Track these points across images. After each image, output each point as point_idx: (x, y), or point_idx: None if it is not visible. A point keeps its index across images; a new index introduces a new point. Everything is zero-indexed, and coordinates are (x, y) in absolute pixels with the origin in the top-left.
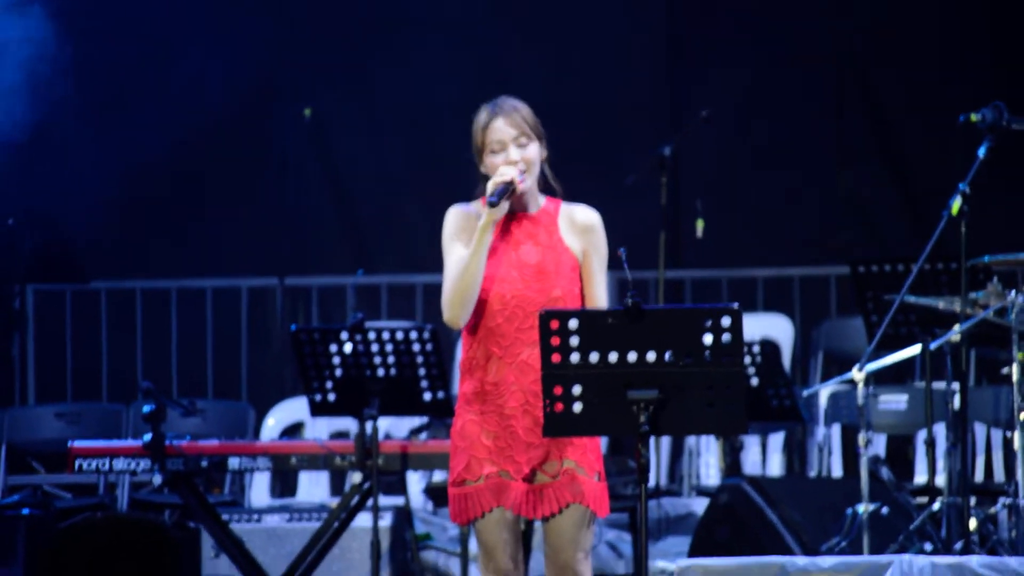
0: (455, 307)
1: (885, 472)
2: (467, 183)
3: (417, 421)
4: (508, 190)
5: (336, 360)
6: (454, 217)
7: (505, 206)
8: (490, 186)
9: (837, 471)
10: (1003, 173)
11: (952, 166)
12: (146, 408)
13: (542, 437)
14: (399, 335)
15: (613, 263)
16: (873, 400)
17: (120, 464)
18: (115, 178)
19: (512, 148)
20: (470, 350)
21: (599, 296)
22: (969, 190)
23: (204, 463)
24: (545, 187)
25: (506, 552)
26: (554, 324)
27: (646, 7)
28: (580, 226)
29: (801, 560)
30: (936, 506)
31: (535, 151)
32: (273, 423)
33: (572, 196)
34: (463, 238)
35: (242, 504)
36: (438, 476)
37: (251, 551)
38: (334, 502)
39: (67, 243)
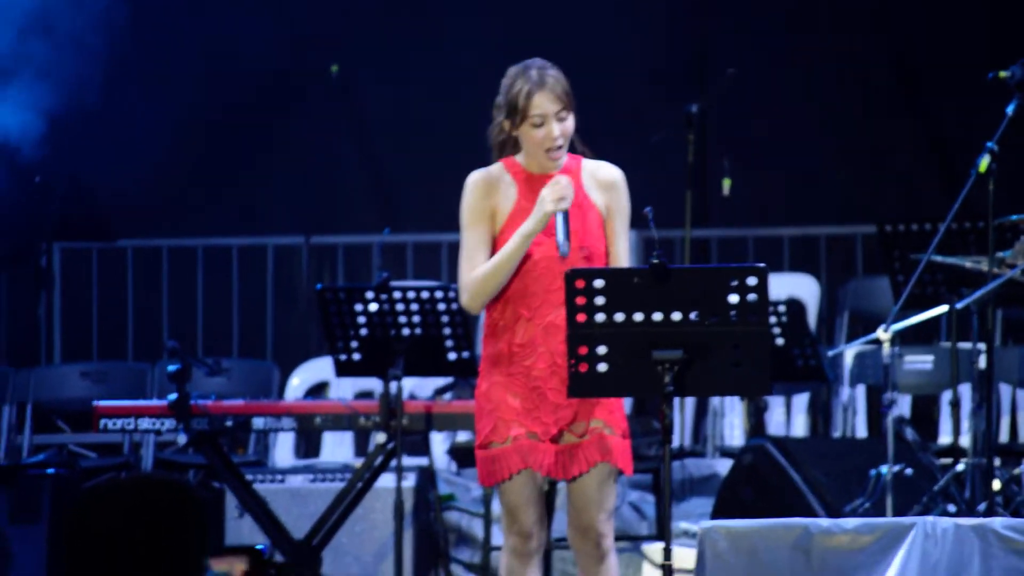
0: (477, 298)
1: (910, 433)
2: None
3: (442, 381)
4: (567, 217)
5: (361, 320)
6: (474, 189)
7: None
8: (548, 207)
9: (862, 432)
10: None
11: (982, 123)
12: (171, 367)
13: (567, 397)
14: (424, 295)
15: (638, 222)
16: (899, 360)
17: (145, 424)
18: (140, 137)
19: (554, 123)
20: (495, 312)
21: (622, 254)
22: (998, 148)
23: (229, 423)
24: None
25: (530, 514)
26: (580, 283)
27: None
28: (604, 183)
29: (824, 522)
30: (960, 467)
31: (572, 124)
32: (298, 383)
33: (598, 154)
34: (485, 213)
35: (266, 464)
36: (462, 436)
37: (275, 511)
38: (358, 462)
39: (93, 201)
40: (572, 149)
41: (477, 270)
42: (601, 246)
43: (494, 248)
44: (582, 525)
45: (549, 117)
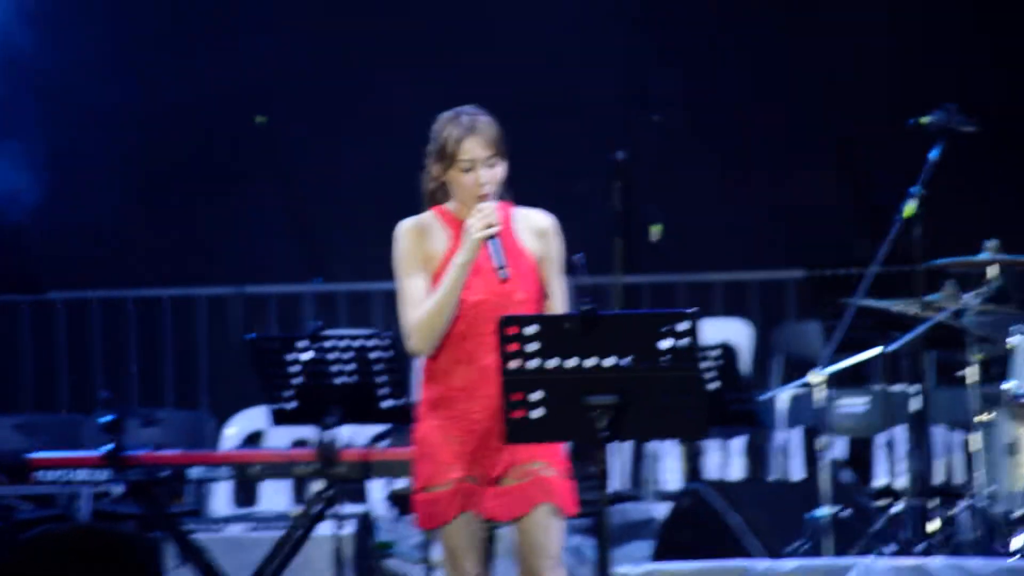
0: (424, 340)
1: (846, 475)
2: (421, 191)
3: (378, 428)
4: (499, 241)
5: (295, 368)
6: (406, 236)
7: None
8: (476, 235)
9: (798, 474)
10: (957, 175)
11: (907, 168)
12: (105, 418)
13: (504, 444)
14: (358, 343)
15: (569, 268)
16: (833, 403)
17: (80, 475)
18: (68, 190)
19: (482, 168)
20: (435, 357)
21: (558, 299)
22: (923, 192)
23: (165, 473)
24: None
25: (471, 559)
26: (512, 330)
27: (601, 12)
28: (536, 230)
29: (763, 563)
30: (897, 508)
31: (502, 171)
32: (234, 432)
33: (525, 201)
34: (419, 259)
35: (204, 514)
36: (400, 483)
37: (213, 561)
38: (296, 511)
39: (22, 254)
40: (502, 197)
41: (420, 309)
42: (536, 291)
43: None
44: (533, 570)
45: (478, 162)
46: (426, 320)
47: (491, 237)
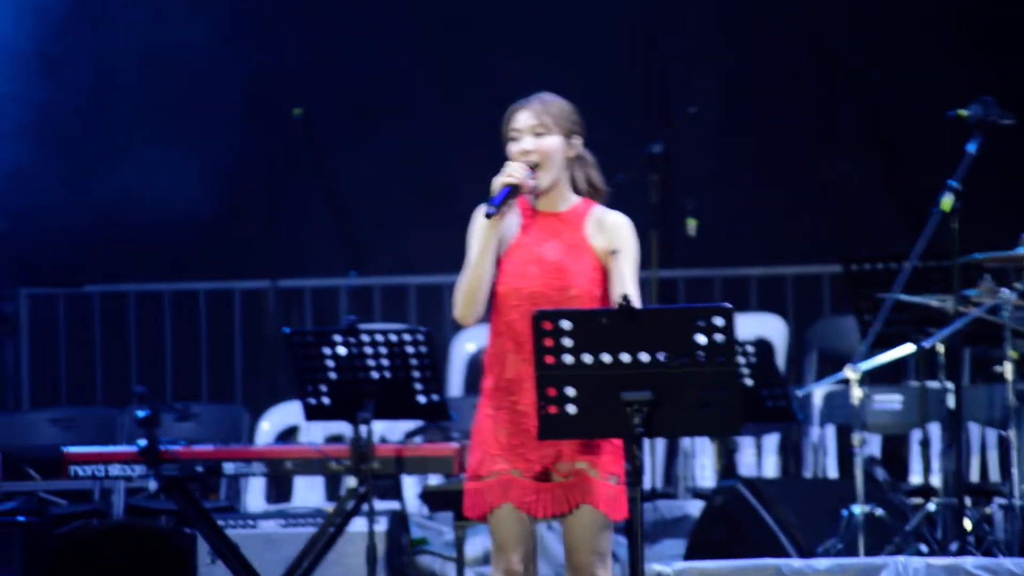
0: (462, 306)
1: (880, 473)
2: (459, 186)
3: (412, 424)
4: (512, 193)
5: (330, 363)
6: (477, 216)
7: (512, 205)
8: (495, 183)
9: (832, 472)
10: (995, 168)
11: (945, 161)
12: (140, 413)
13: (537, 440)
14: (393, 337)
15: None
16: (868, 400)
17: (115, 470)
18: (106, 182)
19: (527, 137)
20: (491, 346)
21: (632, 295)
22: (960, 186)
23: (199, 468)
24: (589, 188)
25: (517, 551)
26: (547, 325)
27: (633, 3)
28: (608, 228)
29: (796, 562)
30: (931, 507)
31: (552, 143)
32: (268, 427)
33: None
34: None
35: (237, 509)
36: (433, 480)
37: (247, 557)
38: (330, 507)
39: (60, 247)
40: (590, 193)
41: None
42: (596, 289)
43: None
44: (574, 565)
45: (523, 132)
46: (463, 283)
47: (510, 186)
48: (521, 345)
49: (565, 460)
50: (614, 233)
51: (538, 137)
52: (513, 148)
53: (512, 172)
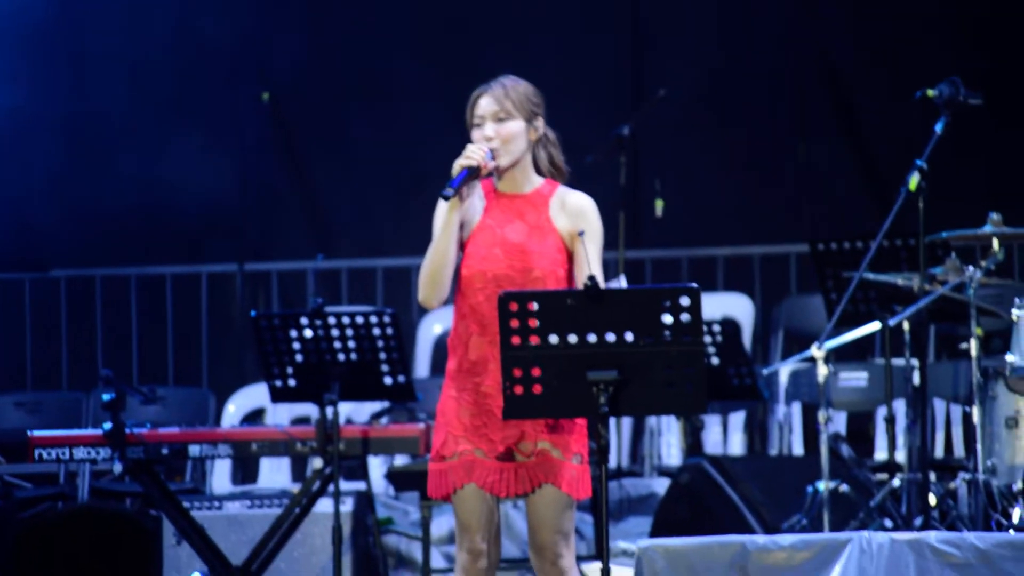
0: (425, 288)
1: (845, 449)
2: (428, 166)
3: (378, 406)
4: (470, 175)
5: (296, 345)
6: (442, 202)
7: (475, 188)
8: (455, 166)
9: (798, 449)
10: (961, 148)
11: (912, 141)
12: (106, 396)
13: (502, 419)
14: (359, 320)
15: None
16: (833, 378)
17: (80, 453)
18: (73, 166)
19: (489, 123)
20: (456, 328)
21: (597, 275)
22: (927, 166)
23: (165, 451)
24: (551, 169)
25: (480, 530)
26: (513, 306)
27: None
28: (571, 209)
29: (761, 539)
30: (896, 482)
31: (514, 127)
32: (234, 410)
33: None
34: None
35: (203, 491)
36: (399, 460)
37: (212, 538)
38: (295, 488)
39: (26, 231)
40: (553, 174)
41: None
42: (560, 271)
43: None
44: (537, 544)
45: (486, 118)
46: (426, 266)
47: (468, 168)
48: (485, 327)
49: (528, 440)
50: (578, 214)
51: (500, 123)
52: (476, 134)
53: (470, 154)
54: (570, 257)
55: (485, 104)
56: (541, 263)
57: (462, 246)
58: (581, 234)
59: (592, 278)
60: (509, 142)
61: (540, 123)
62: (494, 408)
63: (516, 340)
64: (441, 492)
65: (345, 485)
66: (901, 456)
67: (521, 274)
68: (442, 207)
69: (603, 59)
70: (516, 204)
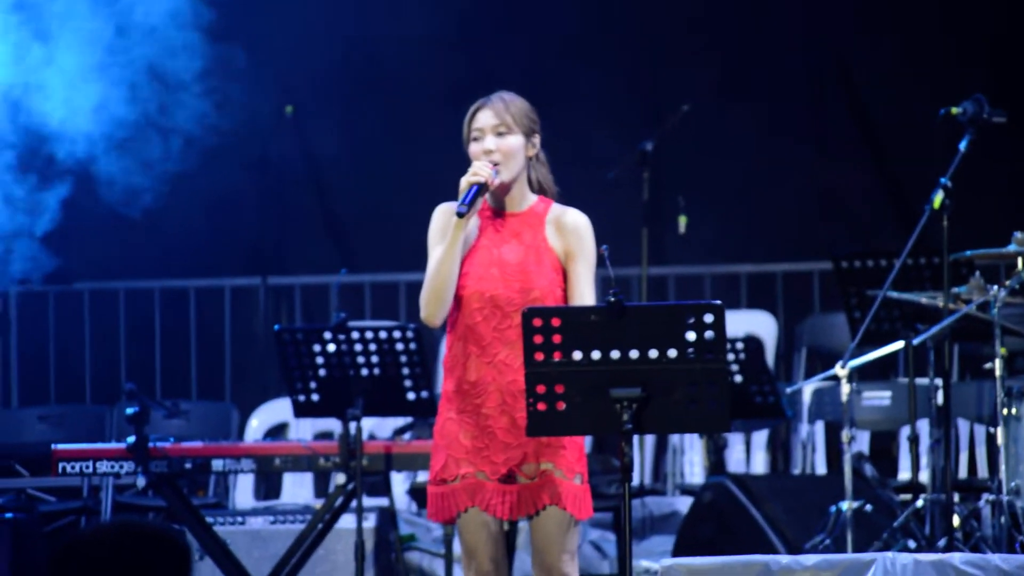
0: (429, 305)
1: (869, 469)
2: (450, 181)
3: (401, 421)
4: (480, 192)
5: (319, 360)
6: (438, 217)
7: (479, 205)
8: (462, 183)
9: (821, 468)
10: (985, 166)
11: (935, 158)
12: (129, 410)
13: (525, 436)
14: (382, 335)
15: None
16: (857, 396)
17: (104, 467)
18: (95, 179)
19: (489, 137)
20: (451, 348)
21: (587, 299)
22: (951, 184)
23: (188, 465)
24: (540, 188)
25: (486, 553)
26: (537, 322)
27: (625, 2)
28: (566, 228)
29: (784, 558)
30: (920, 503)
31: (514, 142)
32: (257, 424)
33: (560, 194)
34: (445, 238)
35: (226, 506)
36: (422, 476)
37: (235, 553)
38: (318, 503)
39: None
40: (542, 191)
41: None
42: (557, 291)
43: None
44: (544, 565)
45: (486, 131)
46: (428, 282)
47: (478, 184)
48: (484, 348)
49: (530, 462)
50: (573, 235)
51: (500, 137)
52: (475, 148)
53: (478, 171)
54: (566, 276)
55: (485, 118)
56: (540, 283)
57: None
58: (604, 249)
59: (616, 293)
60: (509, 157)
61: (537, 140)
62: (495, 430)
63: (540, 356)
64: (444, 516)
65: (368, 501)
66: (925, 476)
67: (520, 294)
68: (439, 222)
69: (625, 74)
70: (511, 223)
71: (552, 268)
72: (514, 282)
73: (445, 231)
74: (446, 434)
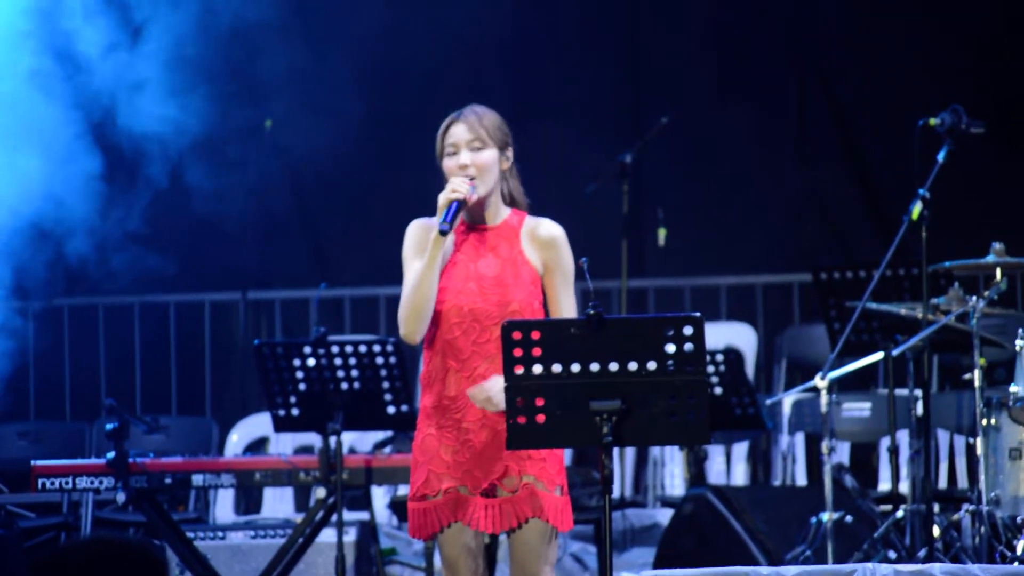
0: (408, 323)
1: (849, 480)
2: (430, 196)
3: (381, 435)
4: (460, 208)
5: (299, 375)
6: (414, 232)
7: (458, 221)
8: (441, 200)
9: (801, 480)
10: (964, 177)
11: (914, 169)
12: (109, 426)
13: (506, 449)
14: (362, 348)
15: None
16: (836, 408)
17: (83, 482)
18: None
19: (464, 151)
20: (429, 364)
21: (566, 309)
22: (929, 195)
23: (168, 480)
24: (512, 200)
25: (468, 567)
26: (516, 335)
27: (607, 13)
28: (542, 240)
29: (765, 570)
30: (900, 513)
31: (489, 157)
32: (237, 439)
33: (532, 205)
34: (422, 254)
35: (207, 521)
36: (402, 490)
37: (216, 568)
38: (299, 518)
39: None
40: (514, 204)
41: (403, 291)
42: (535, 302)
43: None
44: None
45: (460, 145)
46: (407, 299)
47: (458, 201)
48: (464, 363)
49: (512, 475)
50: (550, 248)
51: (475, 152)
52: (450, 163)
53: (457, 187)
54: (544, 289)
55: (459, 132)
56: (518, 295)
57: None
58: (583, 261)
59: (596, 305)
60: (484, 171)
61: (510, 152)
62: (476, 444)
63: (519, 368)
64: (426, 532)
65: (348, 515)
66: (905, 487)
67: (498, 308)
68: (412, 240)
69: (604, 86)
70: (487, 237)
71: (530, 280)
72: (492, 295)
73: (421, 247)
74: (426, 449)
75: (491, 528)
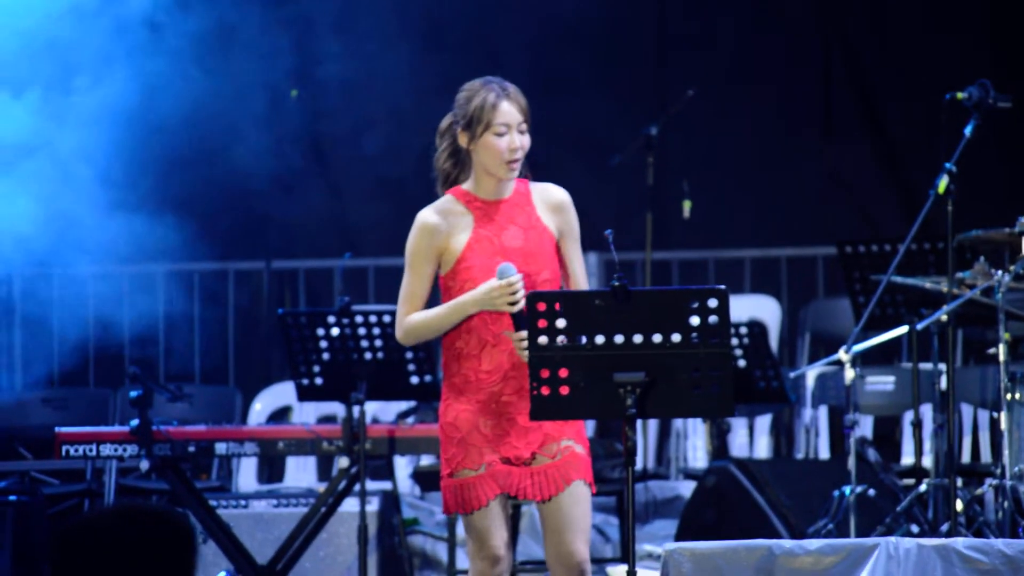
0: (410, 340)
1: (872, 454)
2: None
3: (404, 405)
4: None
5: (323, 344)
6: (421, 232)
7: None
8: (500, 306)
9: (824, 453)
10: (990, 151)
11: (940, 143)
12: (133, 393)
13: (529, 420)
14: (386, 318)
15: (599, 244)
16: (860, 381)
17: (107, 450)
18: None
19: (515, 133)
20: (458, 340)
21: (579, 274)
22: (955, 169)
23: (191, 448)
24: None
25: (499, 538)
26: (541, 306)
27: None
28: (554, 204)
29: (788, 543)
30: (923, 488)
31: (529, 142)
32: (260, 408)
33: (559, 177)
34: (431, 255)
35: (229, 489)
36: (425, 460)
37: (238, 536)
38: (321, 487)
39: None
40: (521, 173)
41: (416, 316)
42: (559, 270)
43: (454, 286)
44: (563, 551)
45: (512, 127)
46: (416, 328)
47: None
48: (500, 337)
49: (552, 441)
50: (563, 213)
51: (522, 134)
52: (500, 143)
53: (516, 299)
54: (559, 254)
55: (512, 113)
56: (547, 265)
57: (458, 260)
58: (608, 233)
59: (621, 277)
60: (524, 154)
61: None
62: (515, 415)
63: (544, 340)
64: (469, 507)
65: (371, 485)
66: (928, 461)
67: (528, 280)
68: (420, 242)
69: (629, 59)
70: (504, 209)
71: (552, 248)
72: (521, 268)
73: (426, 254)
74: (460, 426)
75: (538, 495)
